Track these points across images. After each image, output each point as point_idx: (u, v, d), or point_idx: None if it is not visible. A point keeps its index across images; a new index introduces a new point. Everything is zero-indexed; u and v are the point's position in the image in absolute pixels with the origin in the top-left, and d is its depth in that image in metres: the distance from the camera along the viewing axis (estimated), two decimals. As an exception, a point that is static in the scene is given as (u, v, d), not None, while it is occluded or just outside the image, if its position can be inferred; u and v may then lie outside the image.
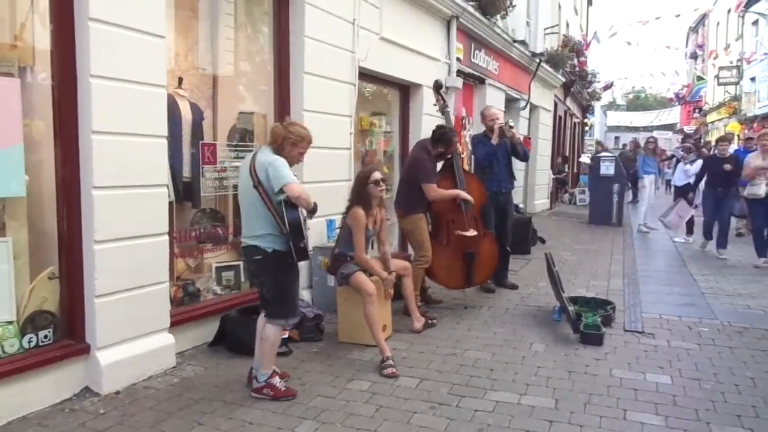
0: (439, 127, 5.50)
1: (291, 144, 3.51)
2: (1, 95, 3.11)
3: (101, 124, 3.50)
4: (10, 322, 3.34)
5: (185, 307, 4.48)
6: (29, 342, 3.40)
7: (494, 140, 6.20)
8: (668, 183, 17.37)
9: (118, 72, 3.57)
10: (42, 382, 3.37)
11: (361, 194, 4.45)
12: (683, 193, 10.35)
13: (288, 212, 3.35)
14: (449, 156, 5.53)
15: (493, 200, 6.20)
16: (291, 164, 3.59)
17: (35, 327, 3.45)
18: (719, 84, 28.09)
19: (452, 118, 6.12)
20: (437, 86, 5.91)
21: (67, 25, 3.42)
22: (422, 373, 4.02)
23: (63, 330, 3.60)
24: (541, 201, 15.12)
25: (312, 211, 3.44)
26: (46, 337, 3.48)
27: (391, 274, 4.63)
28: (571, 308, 4.96)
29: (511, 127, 6.38)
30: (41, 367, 3.36)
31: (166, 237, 4.04)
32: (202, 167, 4.69)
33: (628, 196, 15.20)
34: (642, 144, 14.95)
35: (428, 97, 7.39)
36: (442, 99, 5.89)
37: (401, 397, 3.63)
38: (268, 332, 3.56)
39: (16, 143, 3.19)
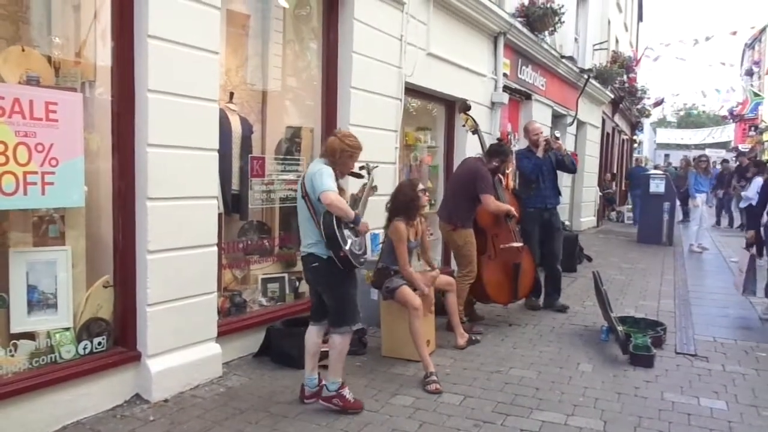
0: (496, 142, 5.49)
1: (348, 156, 3.58)
2: (66, 109, 3.24)
3: (156, 137, 3.61)
4: (68, 329, 3.46)
5: (232, 318, 4.55)
6: (84, 348, 3.51)
7: (539, 153, 6.14)
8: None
9: (174, 87, 3.69)
10: (95, 388, 3.47)
11: (403, 205, 4.44)
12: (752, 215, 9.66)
13: (324, 220, 3.39)
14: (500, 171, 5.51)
15: (537, 216, 6.13)
16: (344, 174, 3.66)
17: (90, 334, 3.56)
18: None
19: (485, 138, 6.06)
20: (464, 108, 5.89)
21: (127, 41, 3.56)
22: (466, 390, 3.97)
23: (116, 337, 3.71)
24: (587, 218, 14.82)
25: (354, 222, 3.46)
26: (100, 344, 3.59)
27: (431, 288, 4.61)
28: (620, 328, 4.83)
29: (557, 138, 6.30)
30: (95, 373, 3.46)
31: (215, 248, 4.13)
32: (251, 180, 4.79)
33: (679, 215, 14.76)
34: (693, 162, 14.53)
35: (473, 112, 7.36)
36: (472, 120, 5.87)
37: (445, 414, 3.59)
38: (334, 340, 3.58)
39: (78, 155, 3.32)
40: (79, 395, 3.38)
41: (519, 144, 10.09)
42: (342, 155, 3.55)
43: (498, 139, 5.61)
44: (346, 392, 3.59)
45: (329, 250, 3.42)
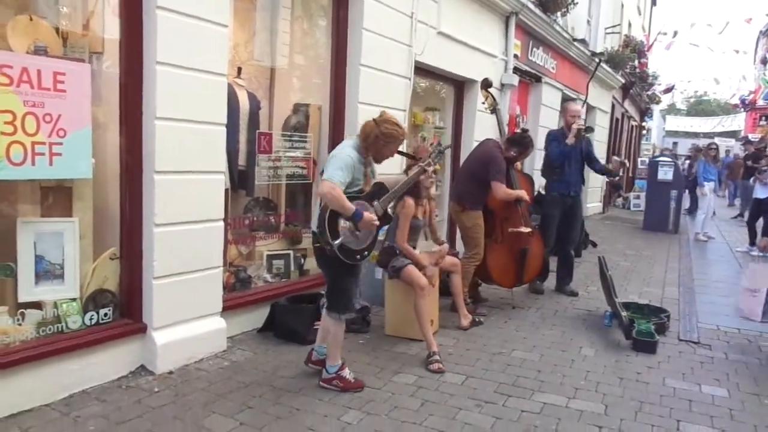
0: (522, 131, 5.39)
1: (382, 144, 3.45)
2: (74, 79, 3.23)
3: (165, 110, 3.60)
4: (74, 299, 3.48)
5: (237, 293, 4.57)
6: (90, 319, 3.53)
7: (569, 140, 5.96)
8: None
9: (183, 60, 3.66)
10: (101, 358, 3.50)
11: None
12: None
13: (320, 209, 3.32)
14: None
15: (559, 202, 6.10)
16: (380, 161, 3.58)
17: (96, 305, 3.58)
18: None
19: (505, 116, 5.98)
20: (486, 84, 5.79)
21: (135, 13, 3.52)
22: (468, 371, 3.99)
23: (122, 309, 3.73)
24: (593, 204, 14.76)
25: (353, 217, 3.30)
26: (106, 315, 3.61)
27: (436, 265, 4.61)
28: (624, 314, 4.83)
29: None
30: (101, 343, 3.49)
31: (222, 223, 4.14)
32: (258, 156, 4.77)
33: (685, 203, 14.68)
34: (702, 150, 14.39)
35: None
36: (492, 97, 5.77)
37: (447, 393, 3.62)
38: (328, 323, 3.59)
39: (86, 127, 3.32)
40: (85, 365, 3.41)
41: (526, 125, 10.06)
42: (375, 141, 3.42)
43: (523, 129, 5.49)
44: (346, 373, 3.60)
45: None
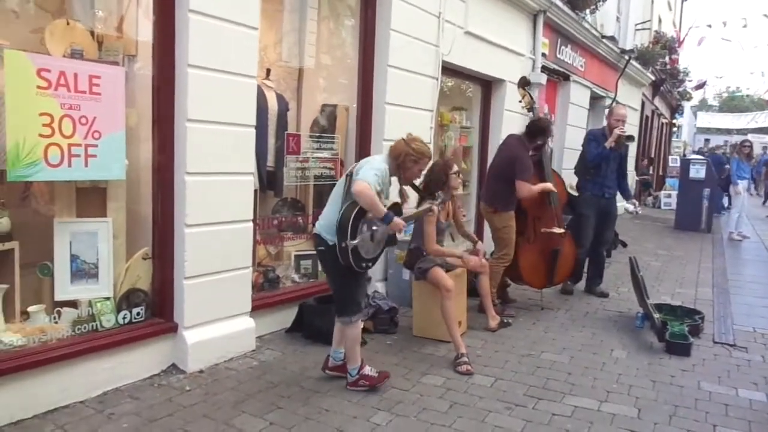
0: (533, 121, 5.35)
1: (412, 161, 3.50)
2: (109, 82, 3.29)
3: (196, 112, 3.64)
4: (108, 298, 3.54)
5: (265, 293, 4.61)
6: (123, 318, 3.59)
7: (608, 143, 5.83)
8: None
9: (214, 62, 3.70)
10: (134, 357, 3.56)
11: (435, 186, 4.38)
12: None
13: (346, 207, 3.32)
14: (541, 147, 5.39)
15: (594, 203, 6.00)
16: (409, 181, 3.63)
17: (129, 304, 3.64)
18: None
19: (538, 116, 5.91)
20: (524, 83, 5.73)
21: (168, 16, 3.57)
22: (497, 373, 3.96)
23: (153, 308, 3.79)
24: (623, 203, 14.53)
25: (385, 220, 3.35)
26: (138, 314, 3.67)
27: (478, 244, 4.71)
28: (656, 315, 4.75)
29: (626, 141, 6.00)
30: (134, 342, 3.55)
31: (251, 224, 4.17)
32: (286, 157, 4.80)
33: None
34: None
35: (511, 93, 7.25)
36: (529, 96, 5.69)
37: (476, 395, 3.59)
38: (342, 328, 3.60)
39: (120, 129, 3.38)
40: (119, 363, 3.48)
41: (554, 126, 9.95)
42: (406, 159, 3.48)
43: (532, 120, 5.42)
44: (368, 370, 3.60)
45: (335, 237, 3.34)
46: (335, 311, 3.62)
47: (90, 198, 3.53)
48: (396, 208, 3.62)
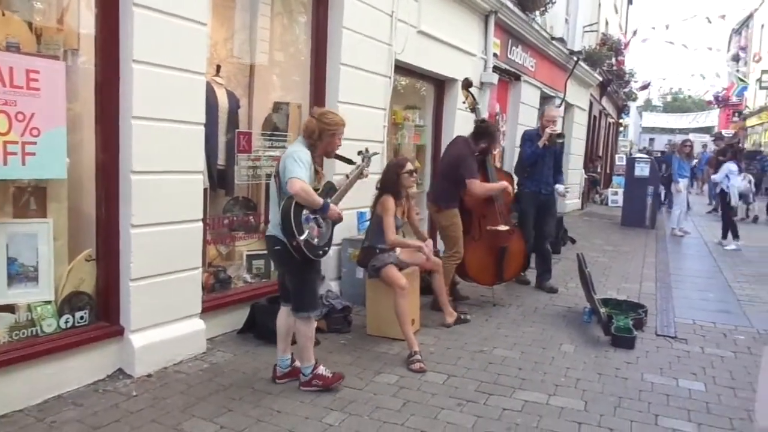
0: (481, 121, 5.43)
1: (330, 135, 3.48)
2: (48, 77, 3.16)
3: (141, 109, 3.54)
4: (49, 302, 3.41)
5: (216, 294, 4.53)
6: (66, 322, 3.47)
7: (540, 143, 6.02)
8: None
9: (160, 58, 3.60)
10: (77, 362, 3.44)
11: (392, 183, 4.42)
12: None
13: (283, 205, 3.29)
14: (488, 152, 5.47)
15: (532, 199, 6.18)
16: (330, 154, 3.59)
17: (72, 308, 3.52)
18: (761, 88, 27.28)
19: (484, 115, 6.02)
20: (467, 84, 5.81)
21: (111, 9, 3.46)
22: (450, 369, 4.00)
23: (98, 312, 3.67)
24: (572, 201, 14.90)
25: (322, 209, 3.35)
26: (82, 318, 3.55)
27: (427, 241, 4.65)
28: (602, 310, 4.88)
29: (558, 139, 6.18)
30: (77, 347, 3.43)
31: (201, 223, 4.09)
32: (237, 155, 4.73)
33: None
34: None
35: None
36: (472, 97, 5.79)
37: (428, 392, 3.62)
38: (298, 326, 3.56)
39: (60, 126, 3.25)
40: (61, 369, 3.35)
41: (506, 126, 10.12)
42: (322, 135, 3.46)
43: (481, 120, 5.51)
44: (321, 369, 3.58)
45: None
46: (293, 308, 3.55)
47: (29, 198, 3.38)
48: (329, 186, 3.63)
